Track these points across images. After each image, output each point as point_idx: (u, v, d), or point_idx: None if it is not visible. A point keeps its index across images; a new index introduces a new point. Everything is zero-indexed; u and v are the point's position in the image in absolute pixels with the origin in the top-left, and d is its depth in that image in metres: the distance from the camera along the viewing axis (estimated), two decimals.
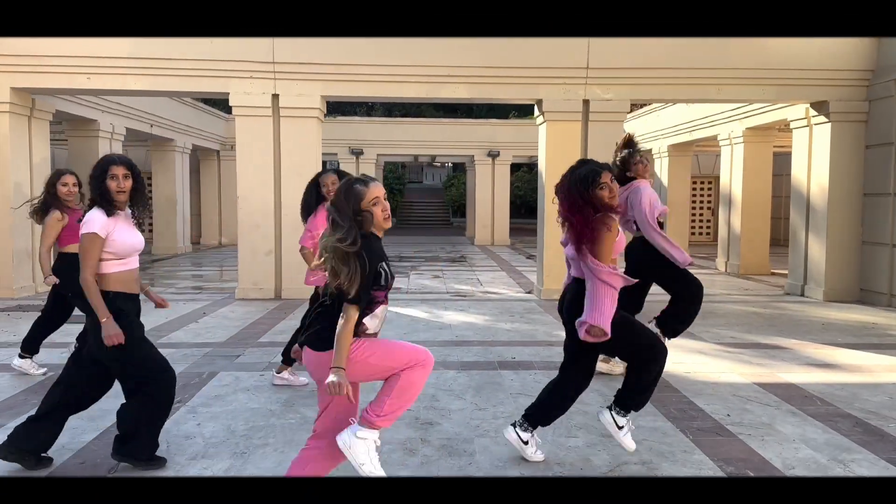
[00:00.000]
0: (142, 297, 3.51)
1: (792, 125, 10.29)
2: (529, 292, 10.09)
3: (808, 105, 9.71)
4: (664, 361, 3.42)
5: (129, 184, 3.26)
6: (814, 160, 9.78)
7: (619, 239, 3.46)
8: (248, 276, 9.24)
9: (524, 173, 32.52)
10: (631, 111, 17.27)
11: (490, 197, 21.39)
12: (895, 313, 8.40)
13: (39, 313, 5.33)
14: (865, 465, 3.59)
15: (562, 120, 9.26)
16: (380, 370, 2.67)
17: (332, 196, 2.71)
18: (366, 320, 2.64)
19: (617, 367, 5.19)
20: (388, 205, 2.69)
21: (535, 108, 9.75)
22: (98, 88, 9.11)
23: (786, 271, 10.76)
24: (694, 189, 21.45)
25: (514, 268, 13.92)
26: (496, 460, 3.60)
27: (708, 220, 21.91)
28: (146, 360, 3.34)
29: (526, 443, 3.57)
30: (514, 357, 5.84)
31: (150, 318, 6.49)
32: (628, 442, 3.50)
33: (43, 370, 5.20)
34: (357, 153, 20.55)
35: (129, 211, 3.37)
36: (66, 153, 12.47)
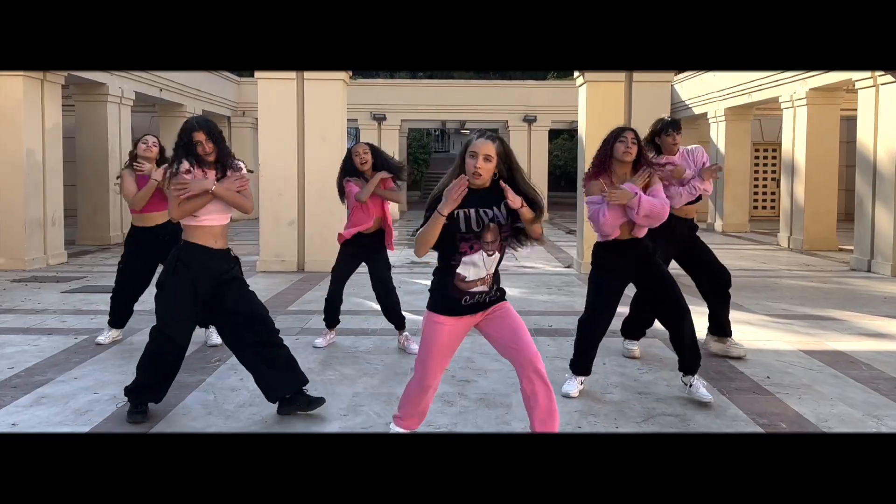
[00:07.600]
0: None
1: (857, 85, 10.61)
2: (569, 266, 10.64)
3: None
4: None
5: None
6: (881, 123, 10.12)
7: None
8: (269, 248, 9.92)
9: (564, 140, 32.69)
10: (683, 70, 17.61)
11: (526, 167, 21.69)
12: None
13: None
14: None
15: (603, 80, 9.73)
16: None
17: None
18: (459, 270, 3.14)
19: (734, 349, 5.45)
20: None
21: None
22: None
23: (853, 246, 11.12)
24: (756, 157, 21.58)
25: (552, 242, 14.44)
26: None
27: (773, 193, 22.05)
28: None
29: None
30: (550, 325, 6.42)
31: None
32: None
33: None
34: (380, 119, 21.12)
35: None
36: (73, 120, 13.23)
